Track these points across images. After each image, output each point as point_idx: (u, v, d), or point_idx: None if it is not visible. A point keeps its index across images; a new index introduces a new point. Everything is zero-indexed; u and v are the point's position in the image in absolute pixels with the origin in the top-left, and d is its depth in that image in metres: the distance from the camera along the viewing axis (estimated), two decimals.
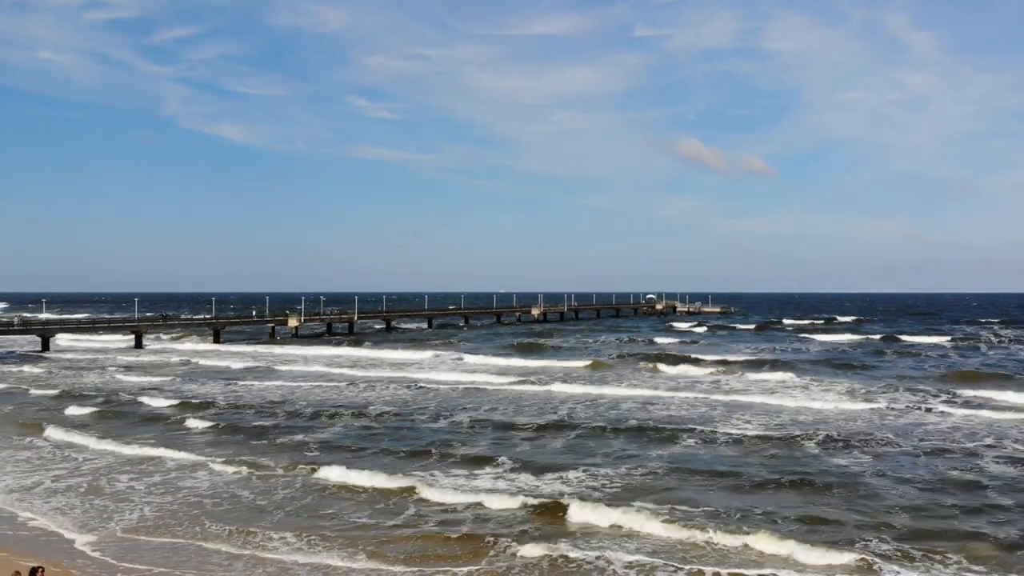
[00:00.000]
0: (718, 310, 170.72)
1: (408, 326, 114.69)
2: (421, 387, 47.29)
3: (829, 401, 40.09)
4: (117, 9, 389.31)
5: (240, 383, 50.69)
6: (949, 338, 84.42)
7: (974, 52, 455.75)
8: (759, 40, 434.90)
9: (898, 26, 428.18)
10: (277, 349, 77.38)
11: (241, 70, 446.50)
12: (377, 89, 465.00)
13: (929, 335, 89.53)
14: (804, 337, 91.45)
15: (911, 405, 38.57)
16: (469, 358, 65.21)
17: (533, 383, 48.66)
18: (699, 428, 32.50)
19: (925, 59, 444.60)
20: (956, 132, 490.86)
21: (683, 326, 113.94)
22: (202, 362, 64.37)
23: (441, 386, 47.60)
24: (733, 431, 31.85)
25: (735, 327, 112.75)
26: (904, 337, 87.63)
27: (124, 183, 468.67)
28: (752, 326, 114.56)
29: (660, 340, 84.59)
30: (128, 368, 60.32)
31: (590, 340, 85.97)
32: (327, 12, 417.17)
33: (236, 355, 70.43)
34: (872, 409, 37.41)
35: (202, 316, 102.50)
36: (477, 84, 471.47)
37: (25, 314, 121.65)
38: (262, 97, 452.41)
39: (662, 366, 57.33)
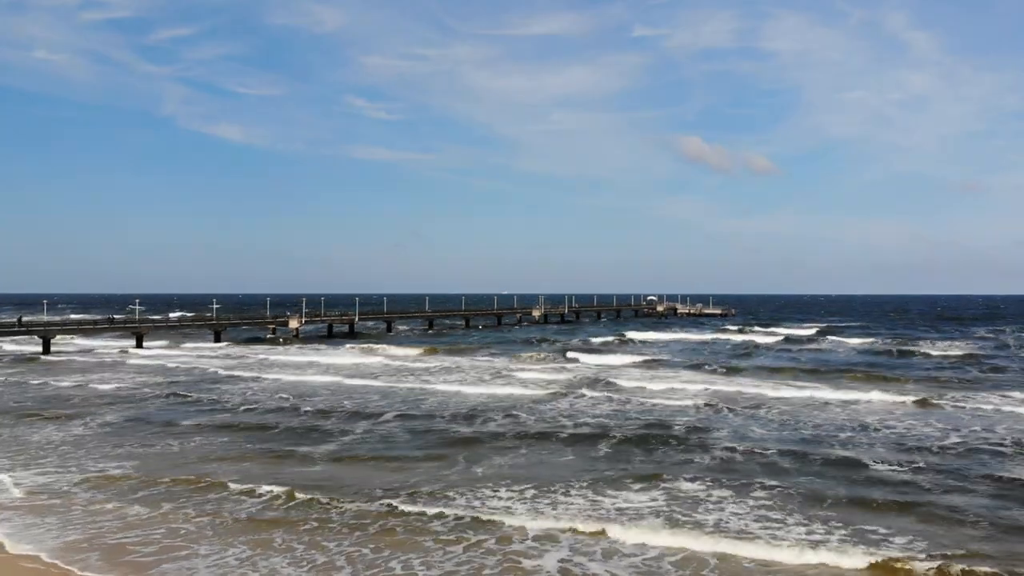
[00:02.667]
0: (719, 312, 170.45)
1: (405, 328, 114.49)
2: None
3: None
4: (113, 9, 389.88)
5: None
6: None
7: (974, 52, 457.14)
8: (758, 40, 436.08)
9: (897, 25, 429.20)
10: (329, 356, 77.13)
11: (239, 70, 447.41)
12: (375, 89, 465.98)
13: None
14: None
15: None
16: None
17: None
18: None
19: (925, 59, 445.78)
20: (957, 132, 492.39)
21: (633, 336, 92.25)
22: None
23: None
24: None
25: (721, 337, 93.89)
26: None
27: (123, 183, 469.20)
28: (773, 339, 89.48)
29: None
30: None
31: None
32: (323, 12, 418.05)
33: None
34: None
35: (177, 315, 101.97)
36: (475, 84, 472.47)
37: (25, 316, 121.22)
38: (260, 97, 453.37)
39: None
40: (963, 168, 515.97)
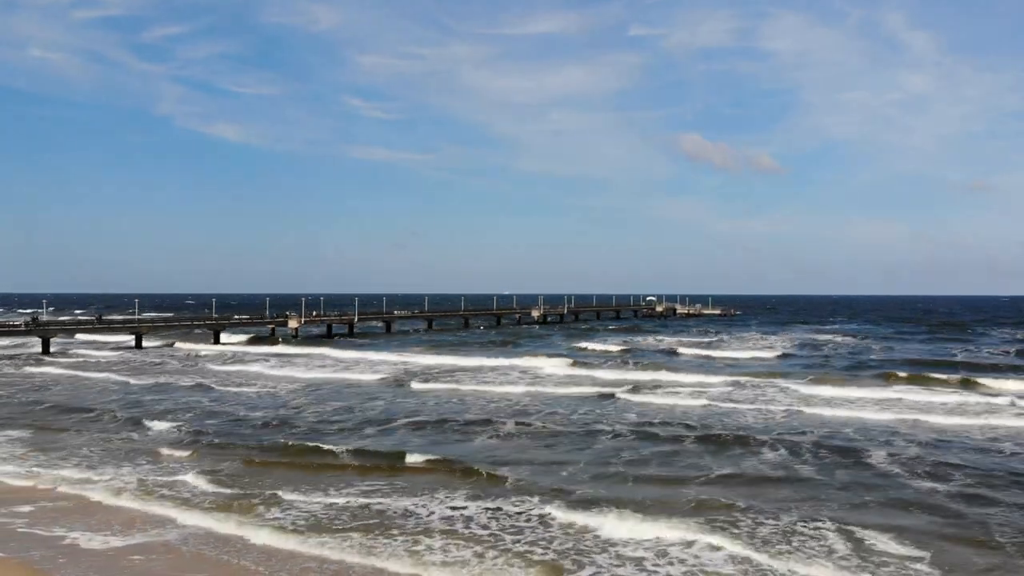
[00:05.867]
0: (719, 312, 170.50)
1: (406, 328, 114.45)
2: None
3: None
4: (105, 7, 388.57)
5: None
6: None
7: (972, 52, 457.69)
8: (756, 39, 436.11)
9: (895, 25, 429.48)
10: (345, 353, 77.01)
11: (235, 68, 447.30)
12: (372, 88, 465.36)
13: None
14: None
15: None
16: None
17: None
18: None
19: (923, 59, 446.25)
20: (957, 133, 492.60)
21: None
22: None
23: None
24: None
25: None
26: None
27: (121, 183, 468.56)
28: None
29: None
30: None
31: None
32: (318, 10, 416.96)
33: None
34: None
35: (143, 314, 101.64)
36: (473, 84, 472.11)
37: (22, 311, 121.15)
38: (257, 96, 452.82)
39: None
40: (963, 168, 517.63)
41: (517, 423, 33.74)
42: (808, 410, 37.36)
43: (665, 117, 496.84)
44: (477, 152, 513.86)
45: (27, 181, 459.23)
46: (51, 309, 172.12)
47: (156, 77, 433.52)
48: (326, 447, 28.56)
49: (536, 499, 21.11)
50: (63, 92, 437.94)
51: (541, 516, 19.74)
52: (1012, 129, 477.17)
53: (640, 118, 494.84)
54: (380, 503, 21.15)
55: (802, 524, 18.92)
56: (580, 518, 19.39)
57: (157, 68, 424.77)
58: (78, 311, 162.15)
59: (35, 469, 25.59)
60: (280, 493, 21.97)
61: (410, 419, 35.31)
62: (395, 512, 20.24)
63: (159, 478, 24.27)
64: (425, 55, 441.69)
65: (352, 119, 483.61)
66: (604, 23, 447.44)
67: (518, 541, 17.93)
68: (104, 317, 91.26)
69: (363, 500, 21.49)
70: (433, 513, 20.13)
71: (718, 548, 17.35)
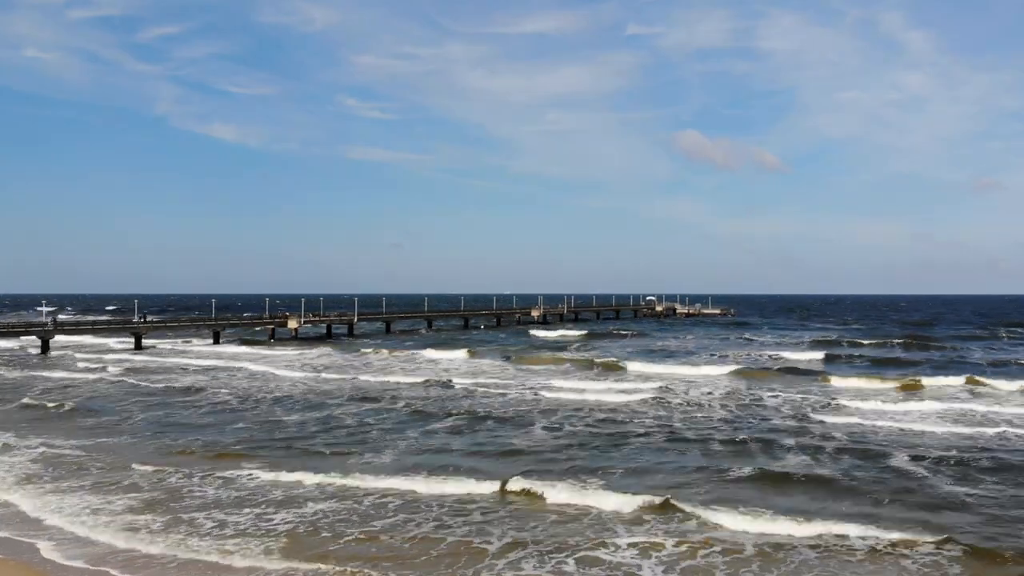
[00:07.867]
0: (718, 312, 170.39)
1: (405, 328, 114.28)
2: None
3: None
4: (100, 7, 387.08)
5: None
6: None
7: (970, 52, 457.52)
8: (753, 39, 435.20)
9: (893, 25, 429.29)
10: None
11: (231, 69, 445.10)
12: (368, 89, 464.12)
13: None
14: None
15: None
16: None
17: None
18: None
19: (921, 59, 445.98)
20: (955, 133, 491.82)
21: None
22: None
23: None
24: None
25: None
26: None
27: (117, 183, 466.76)
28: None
29: None
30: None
31: None
32: (313, 10, 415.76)
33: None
34: None
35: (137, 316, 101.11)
36: (469, 83, 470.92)
37: (20, 312, 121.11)
38: (253, 97, 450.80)
39: None
40: (962, 168, 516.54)
41: None
42: None
43: (662, 117, 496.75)
44: (475, 152, 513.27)
45: (22, 181, 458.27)
46: (70, 309, 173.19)
47: (152, 77, 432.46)
48: None
49: None
50: (59, 92, 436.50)
51: None
52: (1010, 129, 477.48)
53: (638, 118, 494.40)
54: None
55: None
56: None
57: (153, 68, 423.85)
58: (90, 314, 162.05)
59: None
60: None
61: None
62: None
63: None
64: (421, 55, 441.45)
65: (349, 119, 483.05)
66: (601, 22, 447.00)
67: None
68: (149, 318, 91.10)
69: None
70: None
71: None
